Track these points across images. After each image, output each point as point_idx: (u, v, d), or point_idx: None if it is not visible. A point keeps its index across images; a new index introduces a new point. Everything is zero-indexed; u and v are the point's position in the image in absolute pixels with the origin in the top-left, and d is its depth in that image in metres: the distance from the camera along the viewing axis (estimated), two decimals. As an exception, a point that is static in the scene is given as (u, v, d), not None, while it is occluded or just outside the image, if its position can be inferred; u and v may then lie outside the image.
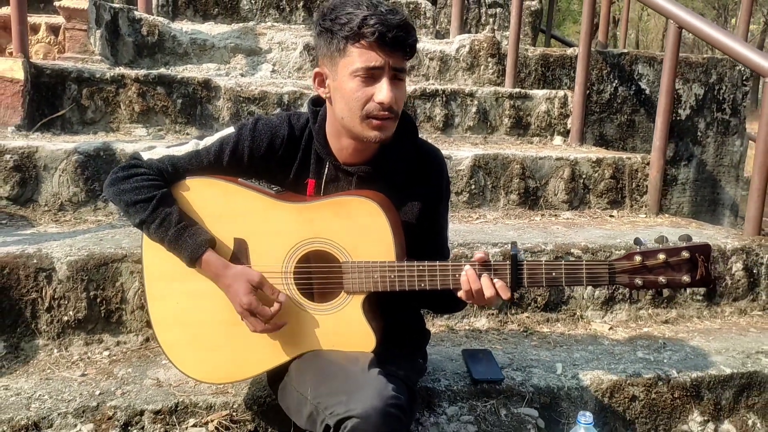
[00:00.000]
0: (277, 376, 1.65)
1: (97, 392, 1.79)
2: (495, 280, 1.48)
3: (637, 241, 1.48)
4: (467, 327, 2.35)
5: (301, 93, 3.17)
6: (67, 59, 3.20)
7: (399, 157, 1.65)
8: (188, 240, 1.53)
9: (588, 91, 3.80)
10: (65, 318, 2.03)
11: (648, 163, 3.15)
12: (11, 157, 2.44)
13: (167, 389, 1.82)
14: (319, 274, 1.57)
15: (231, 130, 1.64)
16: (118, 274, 2.07)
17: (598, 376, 2.01)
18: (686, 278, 1.44)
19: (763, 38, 21.24)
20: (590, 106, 4.05)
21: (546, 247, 2.43)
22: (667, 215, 3.21)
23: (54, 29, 3.45)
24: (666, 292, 1.47)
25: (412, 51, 1.52)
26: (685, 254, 1.43)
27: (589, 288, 2.45)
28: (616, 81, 4.24)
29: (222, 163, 1.61)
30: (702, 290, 2.55)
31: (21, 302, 2.01)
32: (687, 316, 2.54)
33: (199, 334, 1.62)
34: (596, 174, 3.10)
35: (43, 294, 2.02)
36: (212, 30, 3.70)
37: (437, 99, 3.40)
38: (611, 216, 3.07)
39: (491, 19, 5.26)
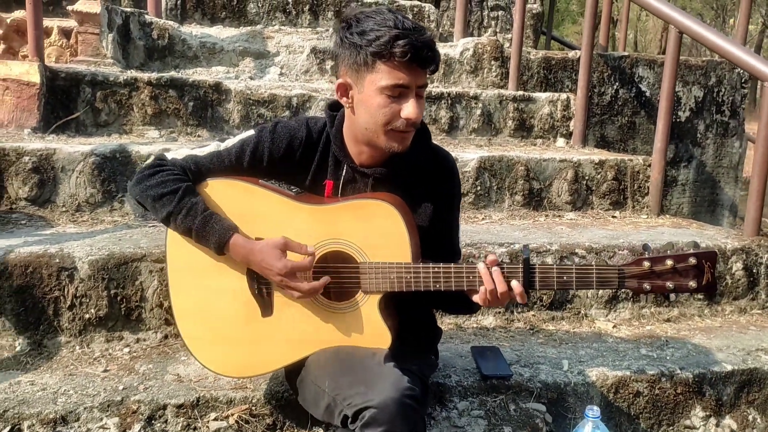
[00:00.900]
0: (294, 370, 1.71)
1: (121, 387, 1.85)
2: (512, 283, 1.55)
3: (645, 247, 1.55)
4: (475, 325, 2.41)
5: (310, 96, 3.23)
6: (80, 62, 3.26)
7: (413, 160, 1.71)
8: (215, 226, 1.59)
9: (589, 94, 3.86)
10: (87, 316, 2.09)
11: (649, 165, 3.21)
12: (30, 159, 2.50)
13: (188, 384, 1.89)
14: (337, 274, 1.63)
15: (251, 132, 1.71)
16: (138, 273, 2.13)
17: (603, 373, 2.08)
18: (693, 284, 1.51)
19: (761, 38, 21.34)
20: (591, 108, 4.11)
21: (551, 247, 2.49)
22: (668, 216, 3.27)
23: (66, 32, 3.50)
24: (673, 296, 1.53)
25: (436, 68, 1.59)
26: (693, 260, 1.50)
27: (593, 287, 2.52)
28: (617, 83, 4.31)
29: (242, 164, 1.68)
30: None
31: (44, 300, 2.07)
32: (688, 314, 2.61)
33: (221, 329, 1.68)
34: (599, 175, 3.16)
35: (66, 292, 2.08)
36: (221, 33, 3.76)
37: (442, 102, 3.47)
38: (613, 217, 3.14)
39: (493, 22, 5.33)
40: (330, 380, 1.53)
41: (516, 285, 1.55)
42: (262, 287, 1.68)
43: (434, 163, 1.76)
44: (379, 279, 1.59)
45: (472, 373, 2.03)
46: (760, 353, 2.28)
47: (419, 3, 4.51)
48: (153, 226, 2.52)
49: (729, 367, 2.17)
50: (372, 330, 1.62)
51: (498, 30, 5.29)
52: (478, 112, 3.51)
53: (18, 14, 3.50)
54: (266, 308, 1.66)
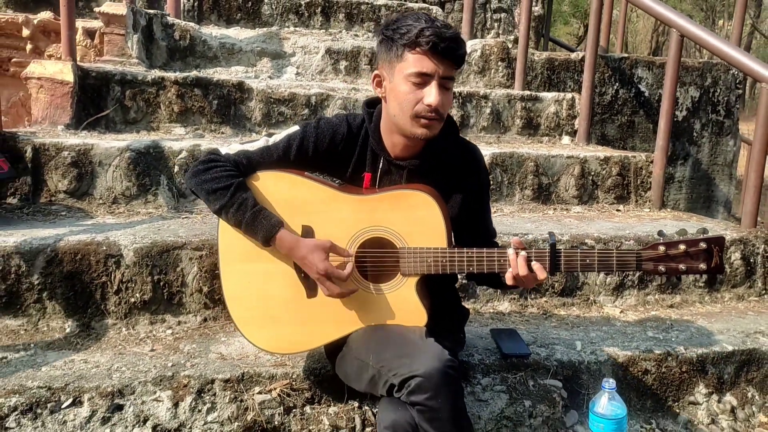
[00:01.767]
0: (336, 348, 1.86)
1: (169, 364, 2.00)
2: (534, 264, 1.70)
3: (660, 233, 1.71)
4: (491, 310, 2.57)
5: (328, 95, 3.38)
6: (107, 62, 3.39)
7: (443, 152, 1.86)
8: (263, 221, 1.73)
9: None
10: (132, 300, 2.23)
11: (652, 162, 3.38)
12: (68, 154, 2.63)
13: (231, 362, 2.03)
14: (378, 258, 1.78)
15: (296, 128, 1.85)
16: (179, 260, 2.27)
17: (614, 352, 2.24)
18: (703, 266, 1.67)
19: (750, 40, 21.63)
20: (593, 108, 4.28)
21: (562, 237, 2.65)
22: (668, 209, 3.44)
23: (90, 33, 3.63)
24: (683, 278, 1.69)
25: (461, 61, 1.74)
26: (703, 245, 1.66)
27: (602, 275, 2.68)
28: (617, 84, 4.48)
29: (289, 157, 1.82)
30: (704, 278, 2.78)
31: (92, 285, 2.21)
32: (690, 301, 2.77)
33: (268, 309, 1.82)
34: (604, 171, 3.33)
35: (112, 278, 2.21)
36: (239, 35, 3.90)
37: (453, 100, 3.62)
38: (618, 210, 3.31)
39: (496, 24, 5.49)
40: (374, 354, 1.68)
41: (539, 268, 1.71)
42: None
43: (463, 155, 1.92)
44: (416, 262, 1.74)
45: (493, 353, 2.18)
46: (759, 335, 2.44)
47: (426, 5, 4.66)
48: (186, 217, 2.66)
49: (730, 348, 2.33)
50: (410, 309, 1.77)
51: (500, 32, 5.46)
52: (488, 110, 3.66)
53: (44, 15, 3.63)
54: (311, 290, 1.80)
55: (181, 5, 4.08)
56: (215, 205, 1.76)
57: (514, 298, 2.60)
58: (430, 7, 4.67)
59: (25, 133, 2.80)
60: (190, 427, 1.87)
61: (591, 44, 3.74)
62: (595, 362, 2.20)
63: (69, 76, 2.96)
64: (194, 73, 3.45)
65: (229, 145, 1.85)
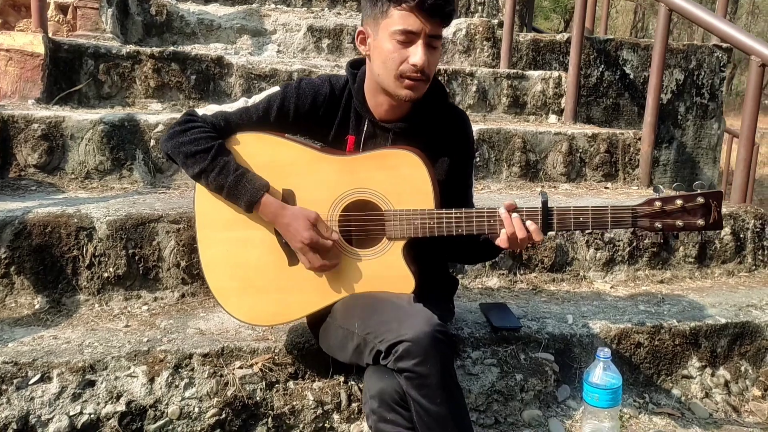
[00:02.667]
0: (318, 319, 1.77)
1: (145, 339, 1.90)
2: (529, 223, 1.63)
3: (656, 189, 1.64)
4: (480, 285, 2.49)
5: (310, 71, 3.28)
6: (80, 36, 3.27)
7: (431, 116, 1.79)
8: (247, 185, 1.64)
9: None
10: (105, 274, 2.13)
11: (639, 139, 3.33)
12: (39, 126, 2.52)
13: (210, 336, 1.94)
14: (362, 222, 1.70)
15: (277, 88, 1.77)
16: (155, 233, 2.17)
17: (606, 325, 2.18)
18: (701, 222, 1.61)
19: (730, 19, 21.83)
20: (579, 87, 4.22)
21: (552, 211, 2.58)
22: (657, 188, 3.39)
23: (62, 8, 3.50)
24: (681, 235, 1.62)
25: (448, 19, 1.66)
26: (701, 200, 1.60)
27: (591, 250, 2.62)
28: (602, 66, 4.43)
29: (269, 118, 1.73)
30: (694, 253, 2.73)
31: (62, 260, 2.10)
32: (680, 276, 2.72)
33: (247, 279, 1.74)
34: (592, 148, 3.27)
35: (84, 252, 2.11)
36: (218, 11, 3.79)
37: (439, 78, 3.54)
38: (606, 188, 3.25)
39: (480, 7, 5.43)
40: (360, 321, 1.60)
41: (532, 226, 1.63)
42: (287, 237, 1.73)
43: (450, 119, 1.84)
44: (403, 225, 1.66)
45: (483, 326, 2.11)
46: (751, 309, 2.40)
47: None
48: (163, 192, 2.56)
49: (723, 320, 2.28)
50: (396, 275, 1.69)
51: (484, 15, 5.39)
52: (474, 88, 3.59)
53: (13, -11, 3.49)
54: (293, 257, 1.72)
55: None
56: (194, 169, 1.67)
57: (503, 274, 2.53)
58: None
59: (-8, 106, 2.68)
60: (167, 403, 1.78)
61: (578, 21, 3.68)
62: (587, 335, 2.14)
63: (39, 48, 2.84)
64: (171, 48, 3.34)
65: (206, 106, 1.76)
